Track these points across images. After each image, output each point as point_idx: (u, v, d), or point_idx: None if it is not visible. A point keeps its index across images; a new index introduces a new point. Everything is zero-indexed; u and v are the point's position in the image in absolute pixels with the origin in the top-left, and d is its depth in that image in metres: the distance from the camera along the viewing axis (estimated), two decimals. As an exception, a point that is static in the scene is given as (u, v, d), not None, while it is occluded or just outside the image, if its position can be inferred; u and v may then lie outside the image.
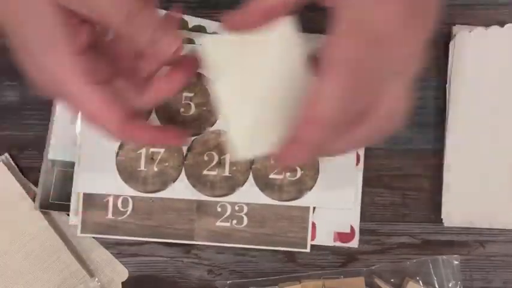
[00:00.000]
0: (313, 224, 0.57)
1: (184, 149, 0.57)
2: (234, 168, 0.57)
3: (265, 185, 0.57)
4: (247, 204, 0.57)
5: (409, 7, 0.37)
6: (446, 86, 0.57)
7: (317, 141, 0.39)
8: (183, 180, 0.57)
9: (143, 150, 0.57)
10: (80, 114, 0.53)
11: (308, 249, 0.57)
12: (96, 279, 0.57)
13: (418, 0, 0.38)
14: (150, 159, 0.57)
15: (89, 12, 0.40)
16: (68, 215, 0.57)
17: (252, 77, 0.43)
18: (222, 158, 0.57)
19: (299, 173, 0.57)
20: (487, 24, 0.57)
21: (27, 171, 0.58)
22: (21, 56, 0.42)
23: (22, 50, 0.42)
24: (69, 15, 0.40)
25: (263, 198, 0.57)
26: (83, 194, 0.57)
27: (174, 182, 0.57)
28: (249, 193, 0.57)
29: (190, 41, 0.57)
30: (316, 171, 0.57)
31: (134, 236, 0.57)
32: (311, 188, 0.57)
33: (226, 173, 0.57)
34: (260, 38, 0.42)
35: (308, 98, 0.38)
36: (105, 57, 0.44)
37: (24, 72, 0.43)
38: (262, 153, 0.43)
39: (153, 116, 0.57)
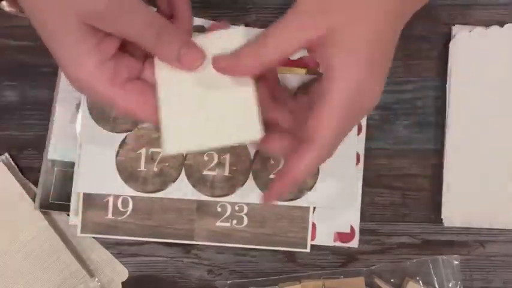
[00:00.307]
0: (313, 224, 0.57)
1: (184, 149, 0.57)
2: (234, 168, 0.57)
3: (265, 185, 0.57)
4: (247, 204, 0.57)
5: (384, 74, 0.44)
6: (446, 86, 0.57)
7: (288, 189, 0.46)
8: (183, 180, 0.57)
9: (143, 150, 0.57)
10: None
11: (308, 249, 0.57)
12: (96, 279, 0.57)
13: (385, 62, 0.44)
14: (150, 159, 0.57)
15: (120, 34, 0.43)
16: (68, 215, 0.57)
17: (194, 79, 0.45)
18: (222, 158, 0.57)
19: (299, 173, 0.57)
20: (487, 24, 0.57)
21: (27, 171, 0.58)
22: (58, 62, 0.44)
23: (57, 59, 0.44)
24: (95, 30, 0.42)
25: (263, 198, 0.57)
26: (83, 194, 0.57)
27: (174, 182, 0.57)
28: (249, 193, 0.57)
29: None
30: (316, 171, 0.57)
31: (134, 236, 0.57)
32: (311, 188, 0.57)
33: (226, 173, 0.57)
34: (212, 41, 0.45)
35: (292, 159, 0.44)
36: (135, 54, 0.46)
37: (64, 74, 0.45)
38: (190, 150, 0.46)
39: (153, 116, 0.57)
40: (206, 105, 0.45)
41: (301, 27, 0.42)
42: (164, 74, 0.45)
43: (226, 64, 0.44)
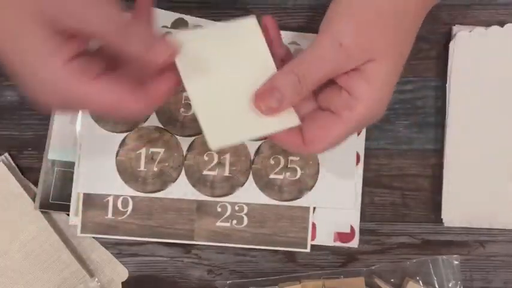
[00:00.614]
0: (313, 224, 0.57)
1: (184, 149, 0.57)
2: (234, 168, 0.57)
3: (265, 185, 0.57)
4: (247, 204, 0.57)
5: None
6: (446, 86, 0.57)
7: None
8: (183, 180, 0.57)
9: (143, 150, 0.57)
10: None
11: (308, 249, 0.57)
12: (96, 279, 0.57)
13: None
14: (150, 159, 0.57)
15: (80, 29, 0.41)
16: (68, 215, 0.57)
17: (219, 71, 0.45)
18: (222, 158, 0.57)
19: (299, 173, 0.57)
20: (487, 24, 0.57)
21: (27, 171, 0.58)
22: (22, 79, 0.42)
23: (21, 74, 0.42)
24: (57, 30, 0.40)
25: (263, 198, 0.57)
26: (83, 194, 0.57)
27: (174, 182, 0.57)
28: (249, 193, 0.57)
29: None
30: (316, 171, 0.57)
31: (134, 236, 0.57)
32: (311, 188, 0.57)
33: (226, 173, 0.57)
34: (227, 33, 0.45)
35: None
36: (103, 52, 0.44)
37: (30, 96, 0.42)
38: (235, 141, 0.46)
39: (153, 116, 0.57)
40: (237, 96, 0.45)
41: (341, 60, 0.44)
42: (188, 70, 0.44)
43: (270, 111, 0.44)
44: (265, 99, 0.44)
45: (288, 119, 0.45)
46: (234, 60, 0.45)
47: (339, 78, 0.46)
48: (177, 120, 0.57)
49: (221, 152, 0.57)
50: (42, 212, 0.57)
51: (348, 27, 0.44)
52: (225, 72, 0.45)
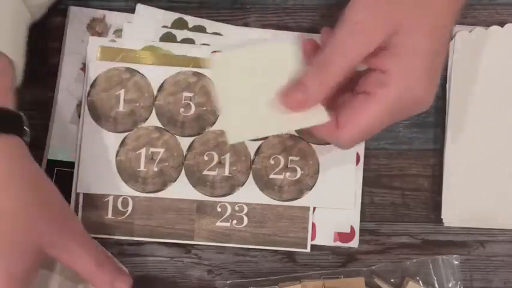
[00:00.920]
0: (313, 224, 0.57)
1: (184, 149, 0.57)
2: (234, 168, 0.57)
3: (265, 185, 0.57)
4: (247, 204, 0.57)
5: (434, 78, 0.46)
6: (446, 85, 0.57)
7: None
8: (183, 180, 0.57)
9: (143, 150, 0.57)
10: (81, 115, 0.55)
11: (308, 249, 0.57)
12: (96, 279, 0.57)
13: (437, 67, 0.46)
14: (150, 159, 0.57)
15: (66, 261, 0.48)
16: (68, 215, 0.57)
17: (248, 76, 0.47)
18: (222, 158, 0.57)
19: (299, 173, 0.57)
20: (487, 24, 0.57)
21: (27, 171, 0.58)
22: None
23: None
24: (37, 260, 0.47)
25: (263, 198, 0.57)
26: (83, 194, 0.57)
27: (174, 182, 0.57)
28: (249, 193, 0.57)
29: (190, 41, 0.57)
30: (316, 171, 0.57)
31: (134, 236, 0.57)
32: (311, 188, 0.57)
33: (226, 173, 0.57)
34: (262, 49, 0.48)
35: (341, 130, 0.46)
36: None
37: None
38: (252, 137, 0.51)
39: (153, 116, 0.57)
40: (266, 98, 0.47)
41: (359, 39, 0.43)
42: (218, 70, 0.48)
43: (296, 104, 0.44)
44: (288, 92, 0.45)
45: (316, 115, 0.46)
46: (268, 73, 0.47)
47: (370, 62, 0.44)
48: (177, 120, 0.57)
49: (221, 152, 0.57)
50: (42, 212, 0.57)
51: (360, 4, 0.43)
52: (258, 82, 0.47)
